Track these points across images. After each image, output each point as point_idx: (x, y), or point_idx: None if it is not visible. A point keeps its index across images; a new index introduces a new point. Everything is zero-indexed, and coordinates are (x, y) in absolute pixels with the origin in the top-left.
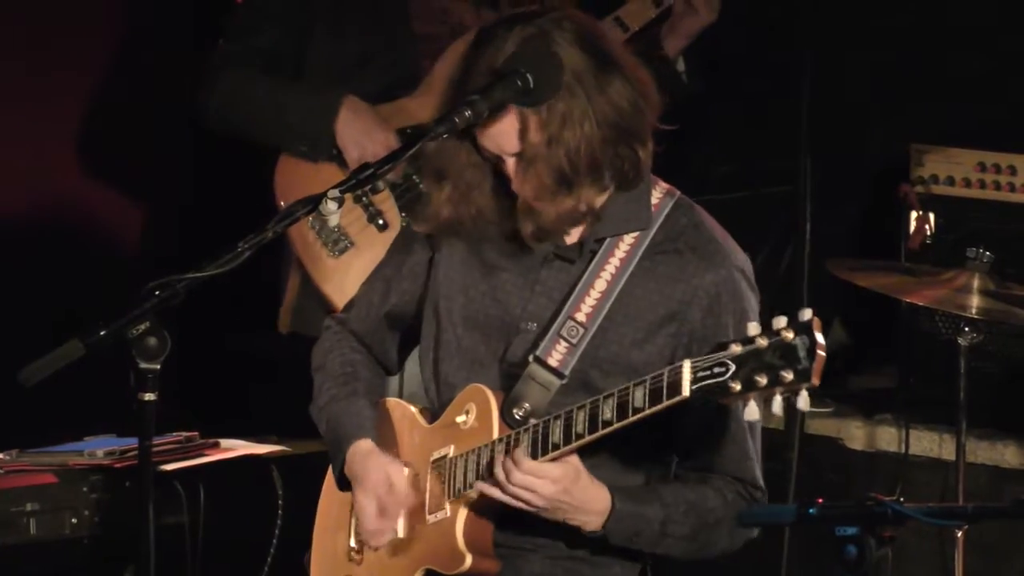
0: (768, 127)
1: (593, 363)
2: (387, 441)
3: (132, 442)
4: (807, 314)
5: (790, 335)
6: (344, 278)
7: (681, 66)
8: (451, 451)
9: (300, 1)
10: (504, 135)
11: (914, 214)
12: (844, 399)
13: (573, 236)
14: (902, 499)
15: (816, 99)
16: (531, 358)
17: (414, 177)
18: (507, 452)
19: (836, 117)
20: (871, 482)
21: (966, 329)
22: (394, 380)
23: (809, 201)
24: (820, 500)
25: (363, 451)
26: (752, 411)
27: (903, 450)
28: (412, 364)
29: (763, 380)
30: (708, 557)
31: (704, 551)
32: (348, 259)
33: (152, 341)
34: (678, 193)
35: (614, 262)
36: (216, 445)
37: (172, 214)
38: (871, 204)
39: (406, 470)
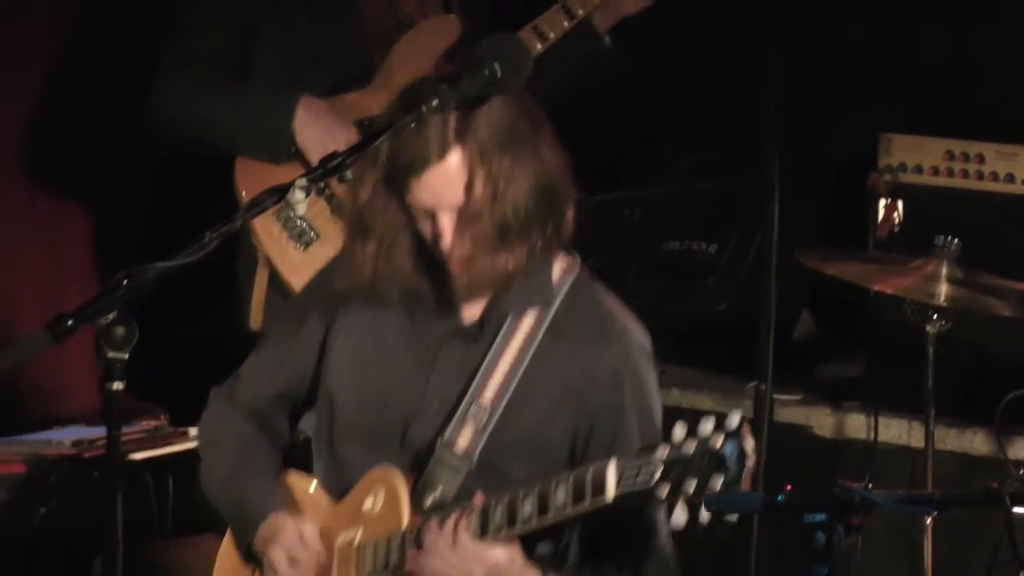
0: (736, 117)
1: (499, 445)
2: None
3: (100, 431)
4: (735, 420)
5: (718, 442)
6: (312, 270)
7: (607, 43)
8: (359, 536)
9: (244, 1)
10: (449, 186)
11: (882, 202)
12: (812, 387)
13: (475, 313)
14: (870, 486)
15: (784, 87)
16: (439, 443)
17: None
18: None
19: (804, 106)
20: (839, 470)
21: (934, 317)
22: None
23: (777, 190)
24: (788, 487)
25: (276, 521)
26: (678, 517)
27: (871, 438)
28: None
29: (691, 487)
30: None
31: None
32: (315, 251)
33: (120, 330)
34: (578, 266)
35: (517, 340)
36: (184, 434)
37: (132, 213)
38: (839, 193)
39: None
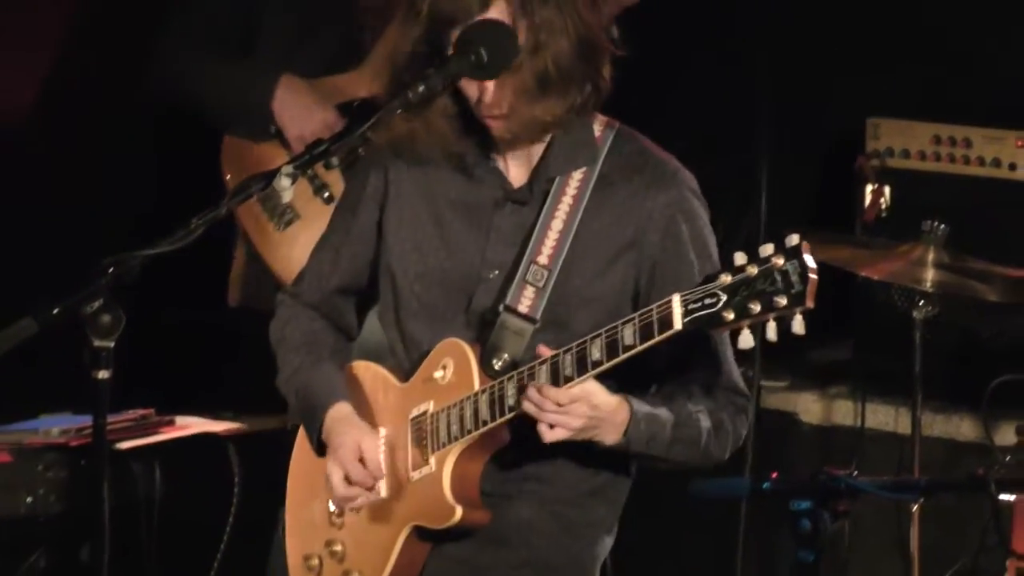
0: (726, 100)
1: (560, 301)
2: (360, 404)
3: (87, 420)
4: (795, 239)
5: (780, 260)
6: (290, 250)
7: (614, 32)
8: (431, 406)
9: None
10: None
11: (869, 187)
12: (799, 372)
13: (521, 177)
14: (857, 473)
15: (773, 71)
16: (502, 307)
17: (359, 150)
18: (493, 398)
19: (792, 90)
20: (826, 456)
21: (921, 302)
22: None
23: (765, 174)
24: (775, 474)
25: (337, 417)
26: (746, 339)
27: (859, 423)
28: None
29: (756, 307)
30: (708, 463)
31: (706, 456)
32: (294, 232)
33: (106, 318)
34: (618, 123)
35: (567, 200)
36: (171, 423)
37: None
38: (827, 177)
39: (383, 431)
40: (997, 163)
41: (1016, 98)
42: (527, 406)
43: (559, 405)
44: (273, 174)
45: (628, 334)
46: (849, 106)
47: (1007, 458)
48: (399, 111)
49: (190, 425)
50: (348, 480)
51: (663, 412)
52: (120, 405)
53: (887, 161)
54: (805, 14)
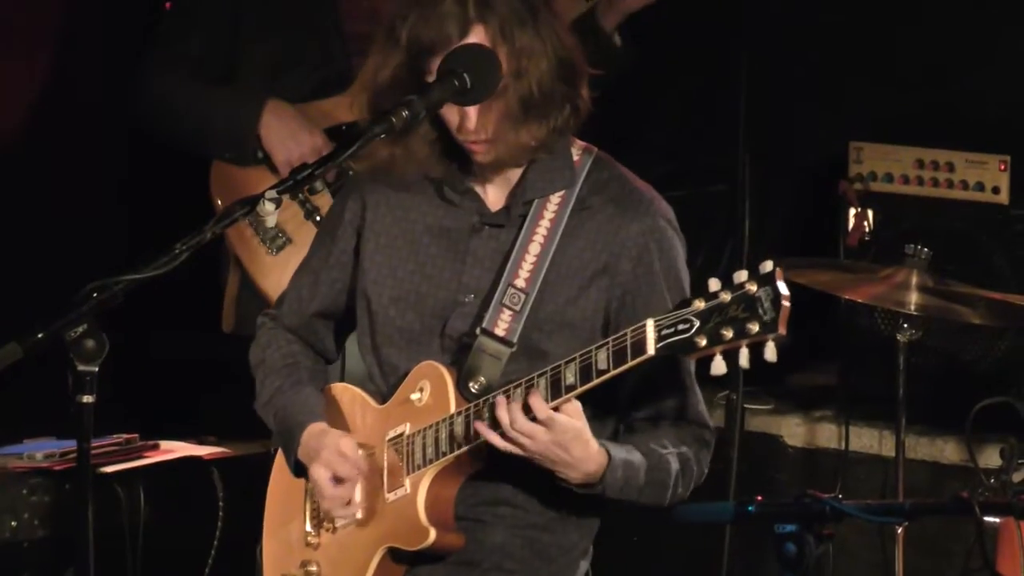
0: (707, 126)
1: (535, 325)
2: (338, 425)
3: (71, 444)
4: (768, 265)
5: (753, 287)
6: (283, 274)
7: (617, 40)
8: (407, 428)
9: (227, 4)
10: None
11: (852, 211)
12: (783, 396)
13: (499, 200)
14: (841, 496)
15: (754, 96)
16: (479, 330)
17: (349, 173)
18: (468, 421)
19: (775, 114)
20: (811, 479)
21: (905, 325)
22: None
23: (748, 199)
24: (759, 498)
25: (316, 432)
26: (719, 366)
27: (843, 447)
28: (352, 345)
29: (729, 334)
30: (675, 502)
31: (672, 498)
32: (286, 255)
33: (90, 343)
34: (596, 149)
35: (544, 224)
36: (156, 447)
37: (107, 218)
38: (810, 201)
39: (361, 450)
40: (980, 187)
41: (998, 122)
42: (502, 417)
43: (536, 422)
44: (257, 199)
45: (602, 358)
46: (832, 130)
47: (991, 480)
48: (382, 136)
49: (174, 449)
50: (336, 479)
51: (637, 457)
52: (104, 430)
53: (870, 185)
54: (788, 39)
